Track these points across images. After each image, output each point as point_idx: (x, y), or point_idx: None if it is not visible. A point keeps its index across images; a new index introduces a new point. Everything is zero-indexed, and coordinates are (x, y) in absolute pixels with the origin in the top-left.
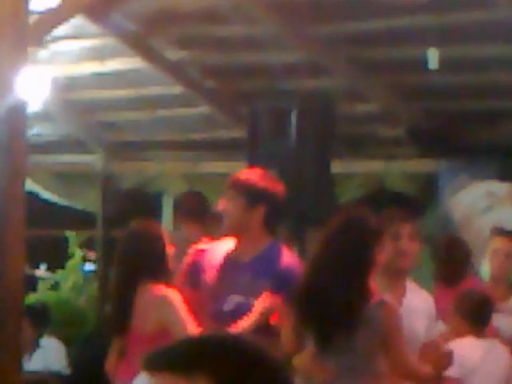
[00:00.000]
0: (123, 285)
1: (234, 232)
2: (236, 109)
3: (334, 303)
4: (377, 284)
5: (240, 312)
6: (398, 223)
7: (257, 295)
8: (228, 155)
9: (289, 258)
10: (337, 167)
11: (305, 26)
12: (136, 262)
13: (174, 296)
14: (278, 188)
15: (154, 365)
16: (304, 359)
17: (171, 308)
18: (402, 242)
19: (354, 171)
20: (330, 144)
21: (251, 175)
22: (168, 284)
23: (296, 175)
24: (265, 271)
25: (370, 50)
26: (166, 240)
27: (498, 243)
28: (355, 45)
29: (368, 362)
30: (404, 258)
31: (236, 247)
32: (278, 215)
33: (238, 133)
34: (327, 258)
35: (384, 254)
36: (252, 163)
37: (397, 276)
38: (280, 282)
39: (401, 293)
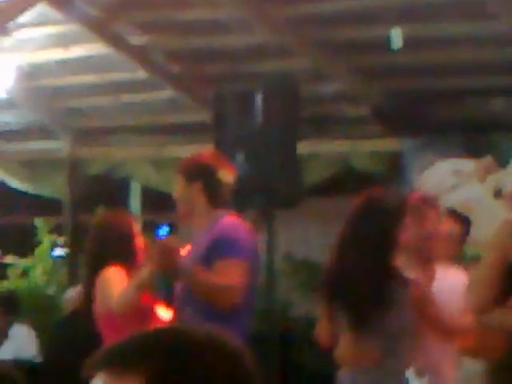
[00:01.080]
0: (87, 271)
1: (185, 215)
2: (201, 92)
3: (364, 286)
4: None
5: (184, 295)
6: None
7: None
8: (195, 139)
9: (226, 225)
10: (303, 148)
11: (268, 8)
12: (101, 249)
13: (112, 274)
14: (216, 162)
15: (95, 364)
16: (344, 348)
17: (106, 285)
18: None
19: (319, 151)
20: (295, 125)
21: (190, 156)
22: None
23: (262, 157)
24: (203, 244)
25: (333, 31)
26: (135, 228)
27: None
28: (319, 26)
29: (405, 340)
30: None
31: (194, 229)
32: (217, 187)
33: (204, 116)
34: (353, 241)
35: (407, 234)
36: (218, 146)
37: (425, 259)
38: (210, 250)
39: (430, 276)
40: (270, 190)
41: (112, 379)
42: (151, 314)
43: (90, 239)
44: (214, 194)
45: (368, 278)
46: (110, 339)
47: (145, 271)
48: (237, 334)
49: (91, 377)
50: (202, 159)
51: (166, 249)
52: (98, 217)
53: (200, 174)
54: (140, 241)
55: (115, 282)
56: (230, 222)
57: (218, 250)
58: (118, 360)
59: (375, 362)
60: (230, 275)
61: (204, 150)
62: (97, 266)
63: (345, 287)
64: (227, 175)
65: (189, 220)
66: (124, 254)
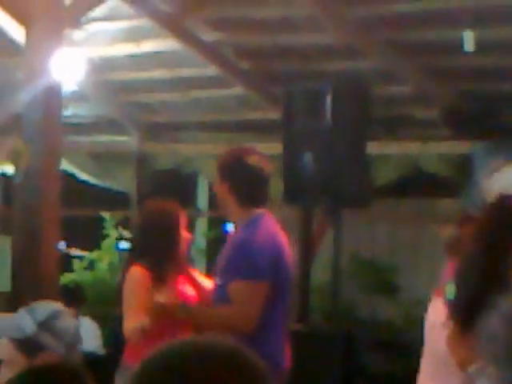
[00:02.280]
0: (123, 265)
1: (222, 212)
2: (271, 90)
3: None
4: None
5: (215, 295)
6: None
7: (221, 275)
8: (262, 137)
9: (242, 240)
10: (372, 149)
11: (340, 8)
12: (139, 242)
13: (132, 275)
14: (247, 159)
15: None
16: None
17: (126, 297)
18: None
19: (389, 153)
20: (365, 125)
21: (225, 154)
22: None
23: (331, 157)
24: (228, 252)
25: (405, 32)
26: (182, 221)
27: None
28: (390, 27)
29: None
30: None
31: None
32: (246, 187)
33: (273, 114)
34: (483, 256)
35: None
36: (286, 145)
37: None
38: (227, 264)
39: None
40: (338, 190)
41: None
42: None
43: (134, 231)
44: (243, 194)
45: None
46: None
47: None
48: (263, 354)
49: None
50: (232, 158)
51: (162, 311)
52: (144, 208)
53: (228, 174)
54: (184, 234)
55: (134, 296)
56: (248, 234)
57: (231, 268)
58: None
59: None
60: (241, 301)
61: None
62: (130, 260)
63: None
64: (261, 172)
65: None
66: (162, 248)
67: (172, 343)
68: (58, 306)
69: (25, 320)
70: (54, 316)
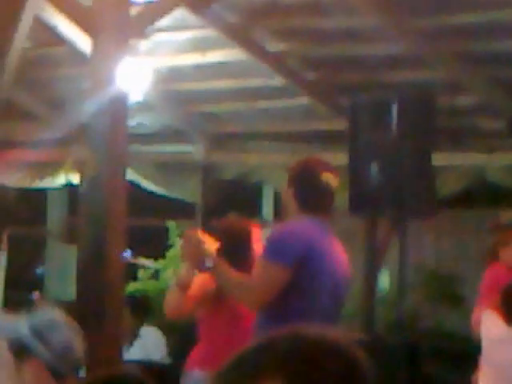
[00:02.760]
0: None
1: (284, 218)
2: (336, 101)
3: None
4: None
5: None
6: None
7: None
8: (328, 147)
9: (279, 226)
10: (437, 159)
11: (406, 19)
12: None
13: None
14: (314, 171)
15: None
16: None
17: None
18: None
19: (454, 163)
20: (430, 136)
21: (299, 162)
22: None
23: (396, 167)
24: None
25: (471, 43)
26: (255, 236)
27: None
28: (456, 37)
29: None
30: None
31: None
32: (309, 194)
33: (338, 125)
34: None
35: None
36: (352, 155)
37: None
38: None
39: None
40: (403, 201)
41: None
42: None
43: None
44: (305, 201)
45: None
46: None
47: (181, 269)
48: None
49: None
50: (299, 166)
51: (192, 239)
52: (219, 222)
53: (293, 181)
54: (258, 248)
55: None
56: (287, 224)
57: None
58: (253, 370)
59: None
60: (254, 275)
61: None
62: None
63: None
64: (326, 185)
65: None
66: (234, 263)
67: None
68: (58, 316)
69: (21, 323)
70: (50, 326)
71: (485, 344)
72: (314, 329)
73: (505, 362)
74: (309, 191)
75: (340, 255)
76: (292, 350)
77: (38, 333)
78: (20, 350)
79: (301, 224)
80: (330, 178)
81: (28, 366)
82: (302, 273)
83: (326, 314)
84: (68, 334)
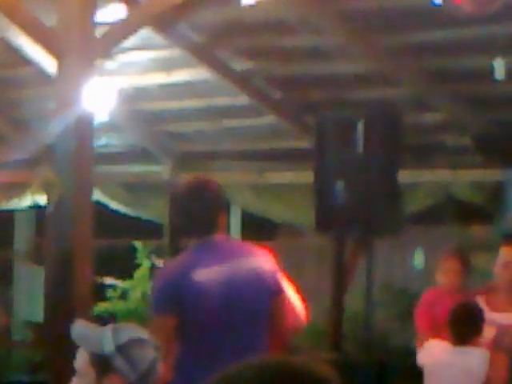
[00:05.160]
0: None
1: None
2: (302, 119)
3: None
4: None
5: None
6: None
7: None
8: (295, 165)
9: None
10: (404, 177)
11: (370, 37)
12: None
13: None
14: (177, 195)
15: None
16: None
17: None
18: None
19: (420, 181)
20: (396, 154)
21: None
22: None
23: (363, 185)
24: None
25: (436, 60)
26: None
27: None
28: (422, 55)
29: None
30: None
31: None
32: (181, 220)
33: (305, 143)
34: None
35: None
36: (318, 173)
37: None
38: None
39: None
40: (370, 219)
41: None
42: None
43: None
44: (181, 227)
45: None
46: None
47: None
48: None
49: None
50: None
51: None
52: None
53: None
54: None
55: None
56: (165, 265)
57: None
58: None
59: None
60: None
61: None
62: None
63: None
64: (188, 199)
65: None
66: None
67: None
68: (143, 333)
69: (107, 338)
70: (135, 343)
71: (429, 368)
72: (278, 356)
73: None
74: (179, 217)
75: (236, 269)
76: (257, 379)
77: (124, 350)
78: (103, 365)
79: (175, 261)
80: (192, 194)
81: (109, 381)
82: (181, 312)
83: (226, 343)
84: (152, 353)
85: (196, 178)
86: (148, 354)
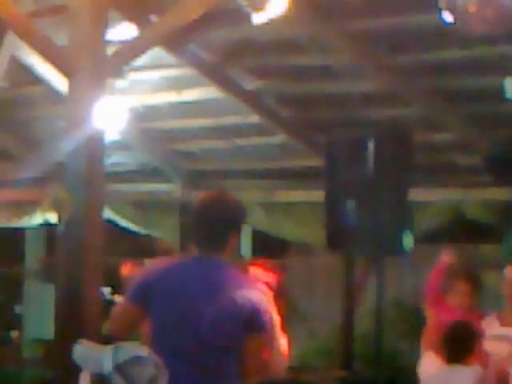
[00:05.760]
0: None
1: None
2: (313, 138)
3: None
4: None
5: None
6: None
7: None
8: (305, 184)
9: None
10: (414, 195)
11: (381, 56)
12: None
13: None
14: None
15: None
16: None
17: None
18: None
19: (431, 200)
20: (407, 173)
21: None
22: None
23: (373, 204)
24: None
25: (447, 80)
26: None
27: None
28: (432, 74)
29: None
30: None
31: None
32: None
33: (315, 162)
34: None
35: None
36: (329, 192)
37: None
38: None
39: None
40: (381, 238)
41: None
42: None
43: None
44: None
45: None
46: None
47: None
48: None
49: None
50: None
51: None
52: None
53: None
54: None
55: None
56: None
57: None
58: None
59: None
60: None
61: None
62: None
63: None
64: (199, 212)
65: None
66: None
67: None
68: (143, 351)
69: (106, 358)
70: (134, 361)
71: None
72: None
73: None
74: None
75: (212, 297)
76: None
77: (122, 370)
78: None
79: (162, 263)
80: (205, 208)
81: None
82: (147, 310)
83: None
84: (152, 370)
85: (216, 193)
86: (147, 371)
